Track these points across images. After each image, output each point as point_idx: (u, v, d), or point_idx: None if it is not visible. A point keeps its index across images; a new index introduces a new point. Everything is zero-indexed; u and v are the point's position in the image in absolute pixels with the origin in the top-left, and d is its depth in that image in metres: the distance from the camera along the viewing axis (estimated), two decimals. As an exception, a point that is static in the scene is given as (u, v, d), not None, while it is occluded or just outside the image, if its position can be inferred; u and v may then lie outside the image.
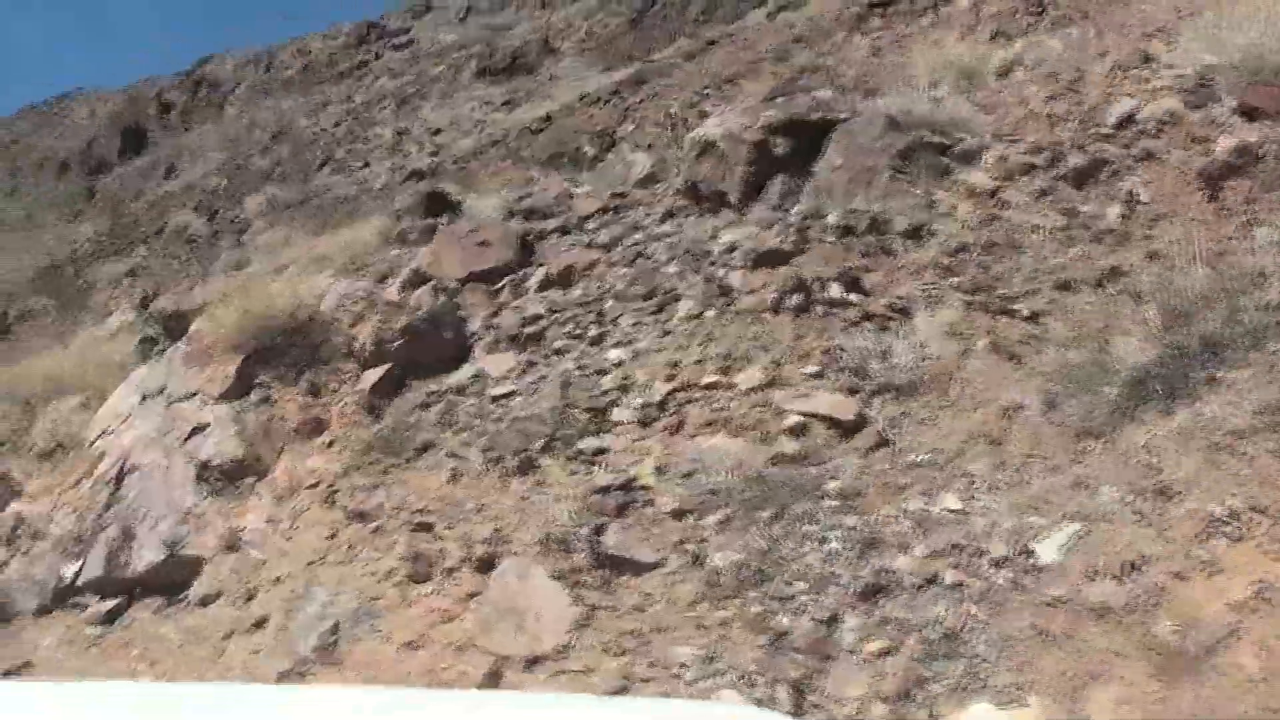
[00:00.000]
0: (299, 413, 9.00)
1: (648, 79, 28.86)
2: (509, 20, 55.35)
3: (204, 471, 8.65)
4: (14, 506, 12.54)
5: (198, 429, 8.92)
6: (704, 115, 14.29)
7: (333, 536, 7.84)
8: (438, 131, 38.74)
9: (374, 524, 7.60)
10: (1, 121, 66.37)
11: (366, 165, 36.61)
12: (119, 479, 9.09)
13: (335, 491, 8.13)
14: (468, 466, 7.79)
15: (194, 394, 9.30)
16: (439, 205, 11.42)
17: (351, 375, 9.26)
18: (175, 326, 10.73)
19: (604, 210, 10.60)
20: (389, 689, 5.56)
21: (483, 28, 55.35)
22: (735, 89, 17.80)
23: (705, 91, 19.61)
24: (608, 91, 29.80)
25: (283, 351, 9.41)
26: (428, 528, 7.35)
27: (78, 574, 8.67)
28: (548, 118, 30.30)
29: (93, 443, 9.80)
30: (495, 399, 8.31)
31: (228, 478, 8.64)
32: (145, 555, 8.39)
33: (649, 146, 13.76)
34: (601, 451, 7.37)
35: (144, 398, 9.75)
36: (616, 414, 7.64)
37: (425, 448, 8.15)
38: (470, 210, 11.31)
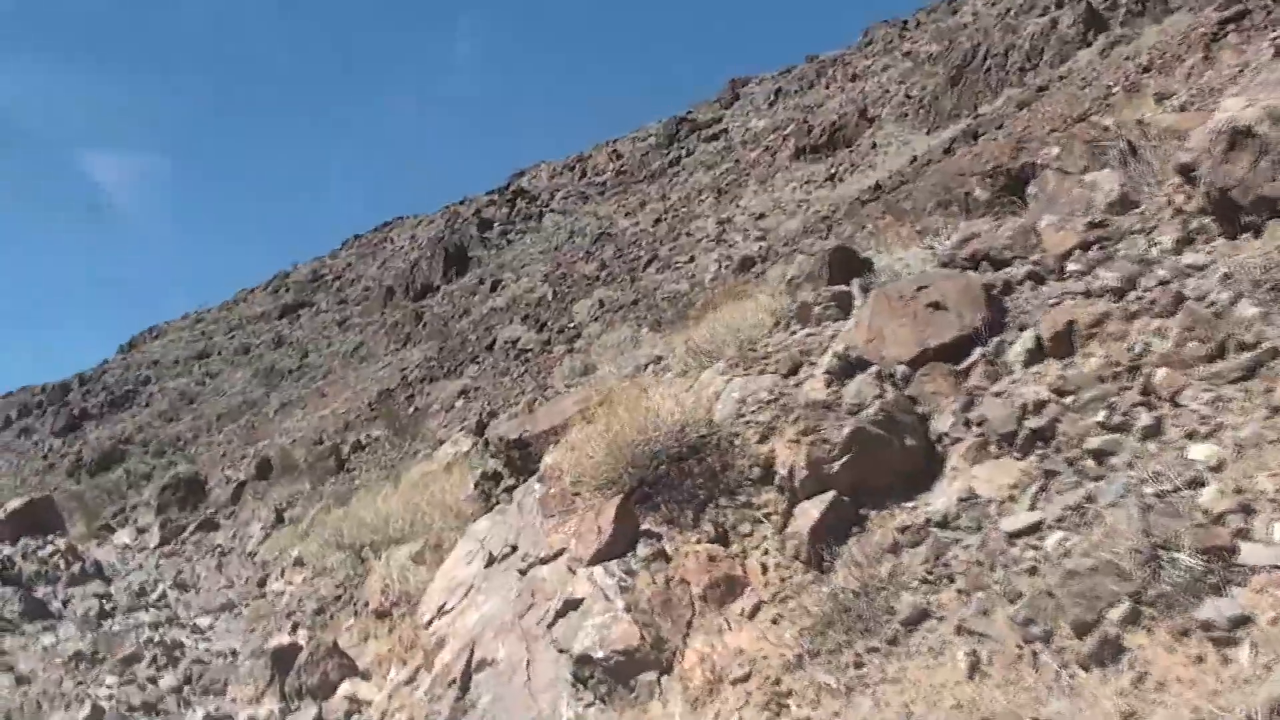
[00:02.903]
0: (705, 569, 6.34)
1: (983, 131, 26.22)
2: (819, 98, 53.52)
3: (582, 668, 6.07)
4: (347, 687, 10.44)
5: (569, 606, 6.37)
6: (1142, 124, 11.27)
7: (789, 766, 5.17)
8: (761, 216, 36.99)
9: (859, 749, 4.87)
10: (328, 254, 68.46)
11: (692, 259, 34.85)
12: (465, 679, 6.66)
13: (783, 694, 5.42)
14: (994, 649, 4.99)
15: (557, 555, 6.79)
16: (848, 265, 8.68)
17: (771, 509, 6.59)
18: (520, 458, 8.33)
19: (1083, 246, 7.62)
20: None
21: (794, 109, 53.72)
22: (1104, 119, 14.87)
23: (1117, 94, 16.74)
24: (939, 151, 27.33)
25: (672, 484, 6.82)
26: (956, 760, 4.58)
27: (421, 818, 6.19)
28: (878, 186, 27.98)
29: (429, 623, 7.42)
30: (1012, 536, 5.44)
31: (617, 675, 6.02)
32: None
33: (1083, 169, 10.76)
34: (1242, 622, 4.38)
35: (490, 560, 7.31)
36: (1247, 552, 4.62)
37: (916, 619, 5.38)
38: (888, 269, 8.52)
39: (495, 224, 56.24)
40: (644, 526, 6.66)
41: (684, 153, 55.93)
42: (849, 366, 7.04)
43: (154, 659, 12.67)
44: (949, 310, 7.00)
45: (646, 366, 12.08)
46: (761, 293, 9.69)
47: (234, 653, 13.20)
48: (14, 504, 22.86)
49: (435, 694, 6.91)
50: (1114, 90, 19.95)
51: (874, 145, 39.04)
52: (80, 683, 11.84)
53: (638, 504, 6.76)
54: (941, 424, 6.48)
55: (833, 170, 38.74)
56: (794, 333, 8.10)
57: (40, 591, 17.05)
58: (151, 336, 67.64)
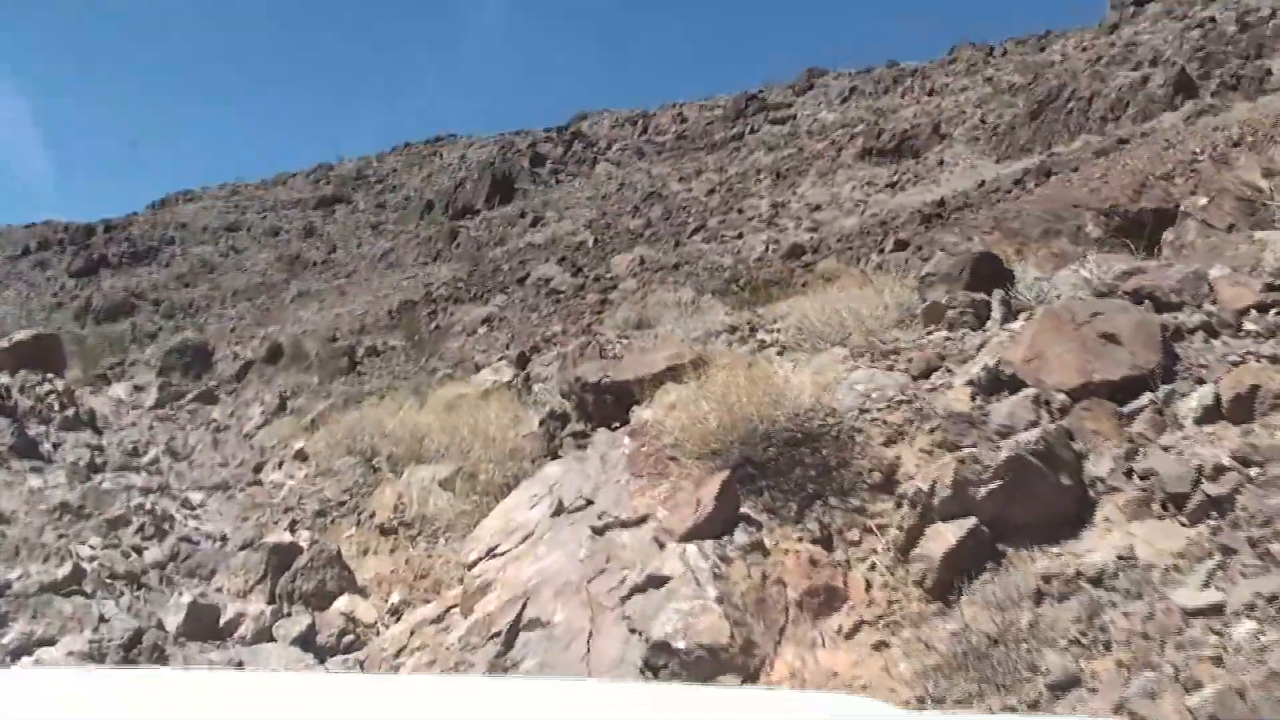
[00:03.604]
0: (805, 573, 5.58)
1: (1055, 171, 25.73)
2: (893, 104, 52.67)
3: (657, 655, 5.29)
4: (344, 602, 9.73)
5: (651, 581, 5.59)
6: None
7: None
8: (817, 208, 36.23)
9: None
10: (375, 155, 67.68)
11: (740, 236, 34.19)
12: (510, 635, 5.87)
13: (890, 738, 4.64)
14: (1162, 742, 4.21)
15: (641, 520, 6.01)
16: (990, 274, 7.88)
17: (887, 521, 5.83)
18: (597, 405, 7.52)
19: (1260, 307, 6.85)
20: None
21: (865, 109, 52.88)
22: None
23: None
24: (1010, 181, 26.86)
25: (780, 470, 6.03)
26: None
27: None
28: (942, 202, 27.42)
29: (473, 564, 6.61)
30: (1189, 615, 4.67)
31: (695, 672, 5.26)
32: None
33: (1229, 226, 10.03)
34: None
35: (559, 509, 6.50)
36: None
37: (1065, 684, 4.65)
38: (1033, 287, 7.72)
39: (548, 161, 55.39)
40: (743, 510, 5.88)
41: (749, 130, 55.06)
42: (997, 383, 6.26)
43: (141, 527, 11.93)
44: (1122, 345, 6.21)
45: (719, 335, 11.33)
46: (886, 283, 8.88)
47: (224, 537, 12.46)
48: (20, 335, 22.12)
49: (470, 643, 6.14)
50: (1200, 157, 19.32)
51: (941, 162, 38.29)
52: (63, 536, 11.11)
53: (739, 484, 5.98)
54: (1098, 468, 5.71)
55: (895, 177, 38.03)
56: (928, 333, 7.31)
57: (33, 429, 16.32)
58: (184, 199, 66.74)
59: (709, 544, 5.62)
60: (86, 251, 54.87)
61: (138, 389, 27.59)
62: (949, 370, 6.65)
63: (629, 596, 5.57)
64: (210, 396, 26.17)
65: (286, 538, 11.02)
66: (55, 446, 15.93)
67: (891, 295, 8.30)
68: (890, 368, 6.81)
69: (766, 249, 30.09)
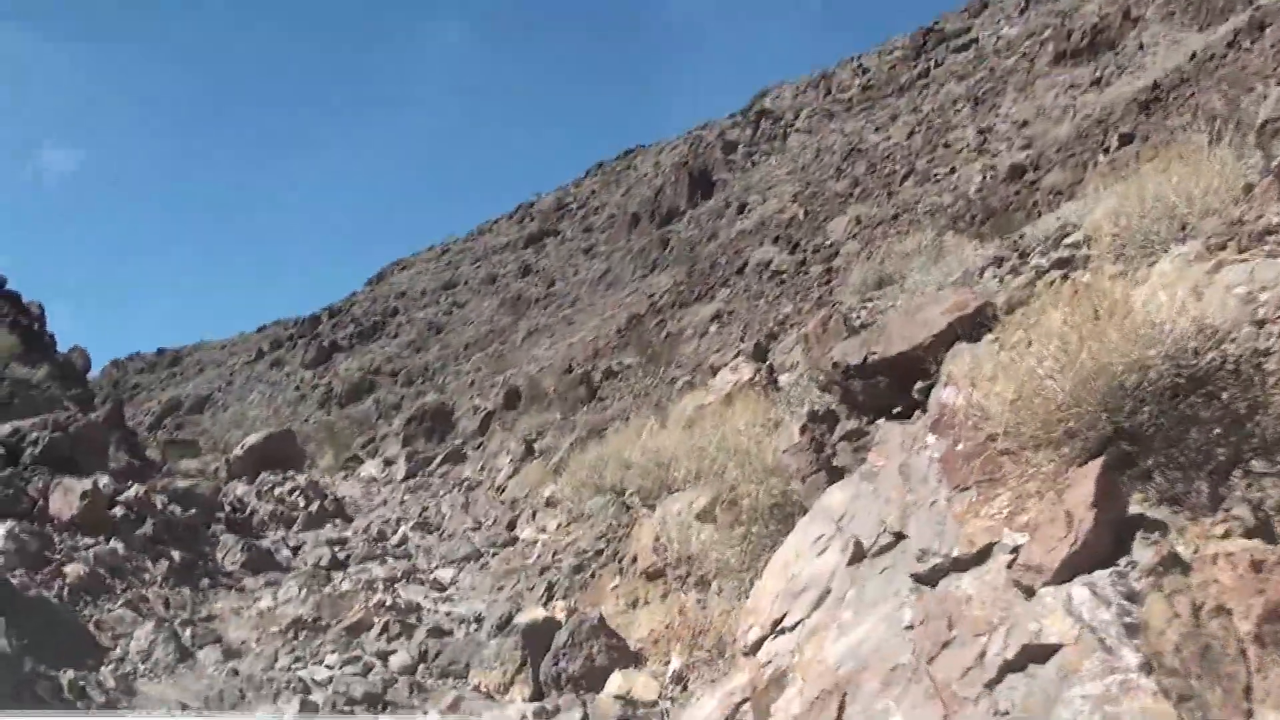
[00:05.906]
0: (1251, 587, 3.49)
1: (1270, 21, 22.97)
2: (1075, 2, 49.01)
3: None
4: (618, 681, 8.07)
5: (1028, 655, 3.55)
6: None
7: None
8: (1024, 124, 33.69)
9: None
10: (571, 183, 67.20)
11: (954, 170, 31.86)
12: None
13: None
14: None
15: (983, 554, 3.97)
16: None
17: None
18: (868, 391, 5.51)
19: None
20: None
21: (1047, 14, 49.43)
22: None
23: None
24: (1222, 44, 24.22)
25: (1168, 437, 3.94)
26: None
27: None
28: (1156, 85, 24.89)
29: (755, 646, 4.67)
30: None
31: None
32: None
33: None
34: None
35: (858, 553, 4.50)
36: None
37: None
38: None
39: (739, 146, 53.57)
40: (1133, 510, 3.82)
41: (933, 64, 52.11)
42: None
43: (385, 627, 10.48)
44: None
45: (983, 271, 9.23)
46: (1194, 152, 6.57)
47: (478, 619, 10.92)
48: (251, 440, 21.42)
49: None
50: None
51: (1141, 46, 35.05)
52: (298, 658, 9.70)
53: (1116, 471, 3.92)
54: None
55: (1098, 74, 35.00)
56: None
57: (269, 539, 15.25)
58: (398, 269, 67.26)
59: (1103, 577, 3.56)
60: (316, 340, 55.61)
61: (388, 463, 26.89)
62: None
63: (998, 680, 3.57)
64: (458, 455, 25.27)
65: (540, 614, 9.37)
66: (295, 550, 14.79)
67: (1221, 163, 6.05)
68: (1273, 254, 4.63)
69: (984, 176, 27.98)
